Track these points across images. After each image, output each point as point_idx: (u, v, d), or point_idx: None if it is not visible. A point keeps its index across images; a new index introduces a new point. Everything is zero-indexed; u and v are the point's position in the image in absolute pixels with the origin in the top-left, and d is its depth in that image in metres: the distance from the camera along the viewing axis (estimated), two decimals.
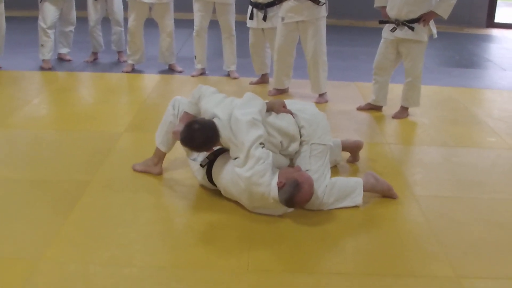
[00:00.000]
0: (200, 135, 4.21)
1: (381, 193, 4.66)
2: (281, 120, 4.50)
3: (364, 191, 4.51)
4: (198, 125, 4.24)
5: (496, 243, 4.09)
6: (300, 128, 4.53)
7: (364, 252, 3.94)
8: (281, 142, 4.45)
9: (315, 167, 4.42)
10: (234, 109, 4.29)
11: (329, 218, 4.30)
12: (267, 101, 4.60)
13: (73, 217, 4.20)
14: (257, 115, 4.24)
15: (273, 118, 4.51)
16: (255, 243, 3.95)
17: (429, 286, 3.61)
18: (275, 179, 4.06)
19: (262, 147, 4.10)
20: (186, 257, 3.79)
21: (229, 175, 4.25)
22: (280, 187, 4.01)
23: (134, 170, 4.98)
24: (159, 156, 4.92)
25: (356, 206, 4.47)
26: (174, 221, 4.28)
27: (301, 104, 4.81)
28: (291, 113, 4.57)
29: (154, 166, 4.93)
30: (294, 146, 4.53)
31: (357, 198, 4.49)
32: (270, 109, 4.55)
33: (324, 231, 4.15)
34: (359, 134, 6.12)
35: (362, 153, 5.34)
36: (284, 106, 4.60)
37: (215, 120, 4.30)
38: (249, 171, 4.05)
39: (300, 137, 4.53)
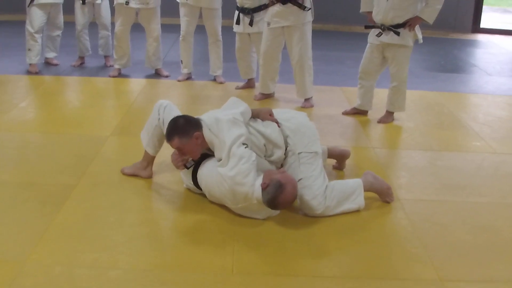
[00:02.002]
0: (183, 119, 4.39)
1: (380, 192, 4.66)
2: (266, 128, 4.52)
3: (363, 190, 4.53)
4: (182, 115, 4.50)
5: (480, 246, 4.12)
6: (285, 137, 4.54)
7: (349, 255, 3.96)
8: (264, 145, 4.46)
9: (307, 174, 4.41)
10: (217, 113, 4.37)
11: (314, 221, 4.32)
12: (254, 108, 4.63)
13: (59, 219, 4.20)
14: (238, 116, 4.29)
15: (257, 124, 4.54)
16: (239, 246, 3.96)
17: None
18: (259, 180, 4.07)
19: (245, 147, 4.13)
20: (171, 259, 3.80)
21: (213, 177, 4.26)
22: (264, 188, 4.01)
23: (123, 173, 4.98)
24: (148, 159, 4.93)
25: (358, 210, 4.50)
26: (159, 224, 4.30)
27: (289, 113, 4.82)
28: (277, 122, 4.58)
29: (144, 169, 4.94)
30: (278, 154, 4.52)
31: (358, 198, 4.49)
32: (256, 116, 4.58)
33: (309, 234, 4.16)
34: (345, 138, 6.15)
35: None
36: (271, 114, 4.61)
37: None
38: (233, 170, 4.07)
39: (287, 147, 4.54)
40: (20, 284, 3.46)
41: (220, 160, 4.22)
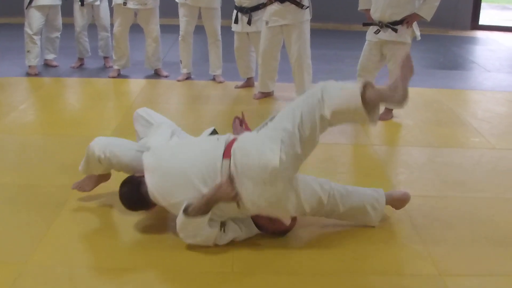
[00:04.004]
0: (126, 202, 4.11)
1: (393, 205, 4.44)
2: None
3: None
4: (125, 188, 4.13)
5: (479, 241, 4.13)
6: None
7: (349, 251, 3.96)
8: None
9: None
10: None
11: (313, 218, 4.29)
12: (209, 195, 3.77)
13: (60, 220, 4.21)
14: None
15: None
16: (239, 245, 3.96)
17: (413, 284, 3.63)
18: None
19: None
20: (171, 259, 3.81)
21: None
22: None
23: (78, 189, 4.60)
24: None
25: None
26: (160, 224, 4.28)
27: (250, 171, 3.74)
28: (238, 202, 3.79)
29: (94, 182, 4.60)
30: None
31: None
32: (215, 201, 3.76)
33: (308, 232, 4.18)
34: (344, 135, 6.14)
35: (346, 155, 5.38)
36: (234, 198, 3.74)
37: (144, 154, 4.08)
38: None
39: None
40: (21, 286, 3.47)
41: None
